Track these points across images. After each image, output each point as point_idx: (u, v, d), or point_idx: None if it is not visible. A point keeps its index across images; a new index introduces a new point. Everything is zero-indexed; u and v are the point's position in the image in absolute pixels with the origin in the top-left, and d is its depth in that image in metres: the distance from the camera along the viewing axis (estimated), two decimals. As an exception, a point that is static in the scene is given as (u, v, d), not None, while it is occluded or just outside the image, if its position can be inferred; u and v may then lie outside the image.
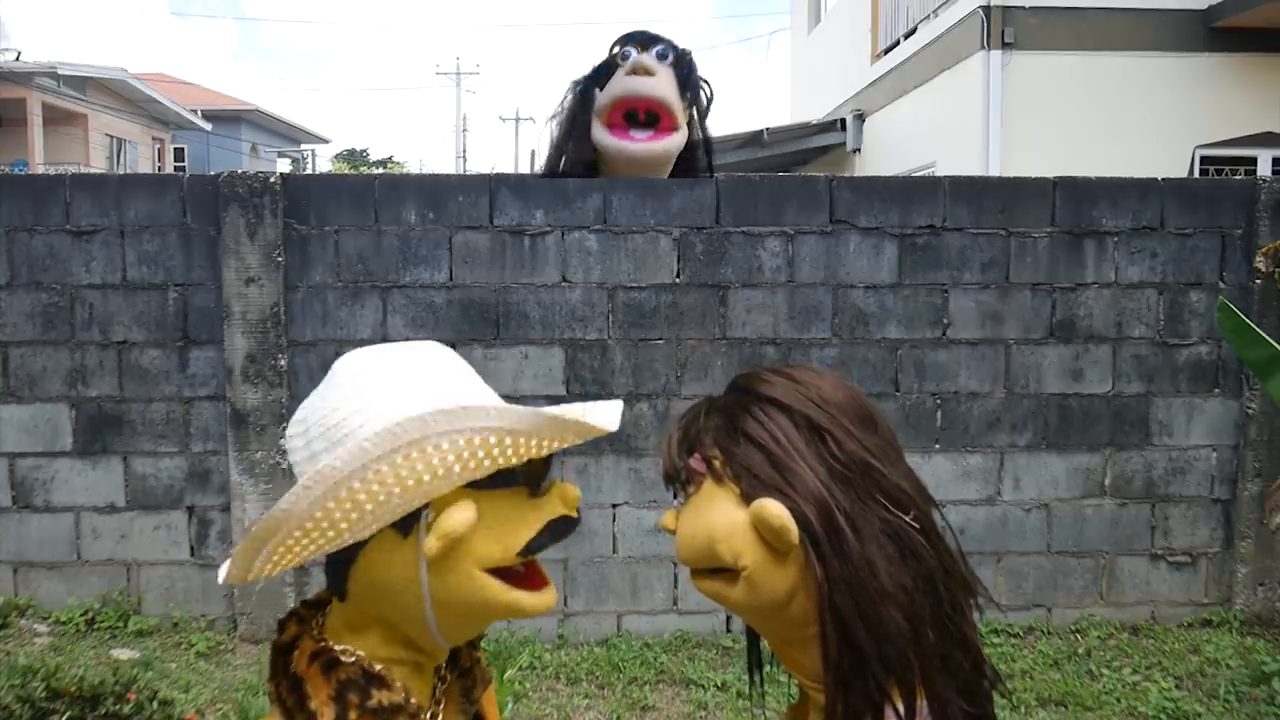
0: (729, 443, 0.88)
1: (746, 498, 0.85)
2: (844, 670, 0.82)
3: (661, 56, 3.88)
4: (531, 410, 0.82)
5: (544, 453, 0.84)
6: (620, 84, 3.84)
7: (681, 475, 0.91)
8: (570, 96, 4.05)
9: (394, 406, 0.82)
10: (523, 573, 0.86)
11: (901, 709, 0.81)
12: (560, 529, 0.86)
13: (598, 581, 4.08)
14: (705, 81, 4.02)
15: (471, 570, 0.81)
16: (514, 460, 0.81)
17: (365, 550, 0.81)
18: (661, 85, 3.81)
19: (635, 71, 3.80)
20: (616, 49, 3.95)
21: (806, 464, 0.84)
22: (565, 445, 0.85)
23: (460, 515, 0.79)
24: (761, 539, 0.83)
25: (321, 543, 0.80)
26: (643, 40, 3.93)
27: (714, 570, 0.88)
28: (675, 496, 0.94)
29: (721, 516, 0.85)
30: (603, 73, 3.97)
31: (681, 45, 3.95)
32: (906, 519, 0.85)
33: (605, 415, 0.86)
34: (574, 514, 0.88)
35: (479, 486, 0.81)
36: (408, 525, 0.80)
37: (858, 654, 0.81)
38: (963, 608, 0.87)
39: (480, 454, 0.79)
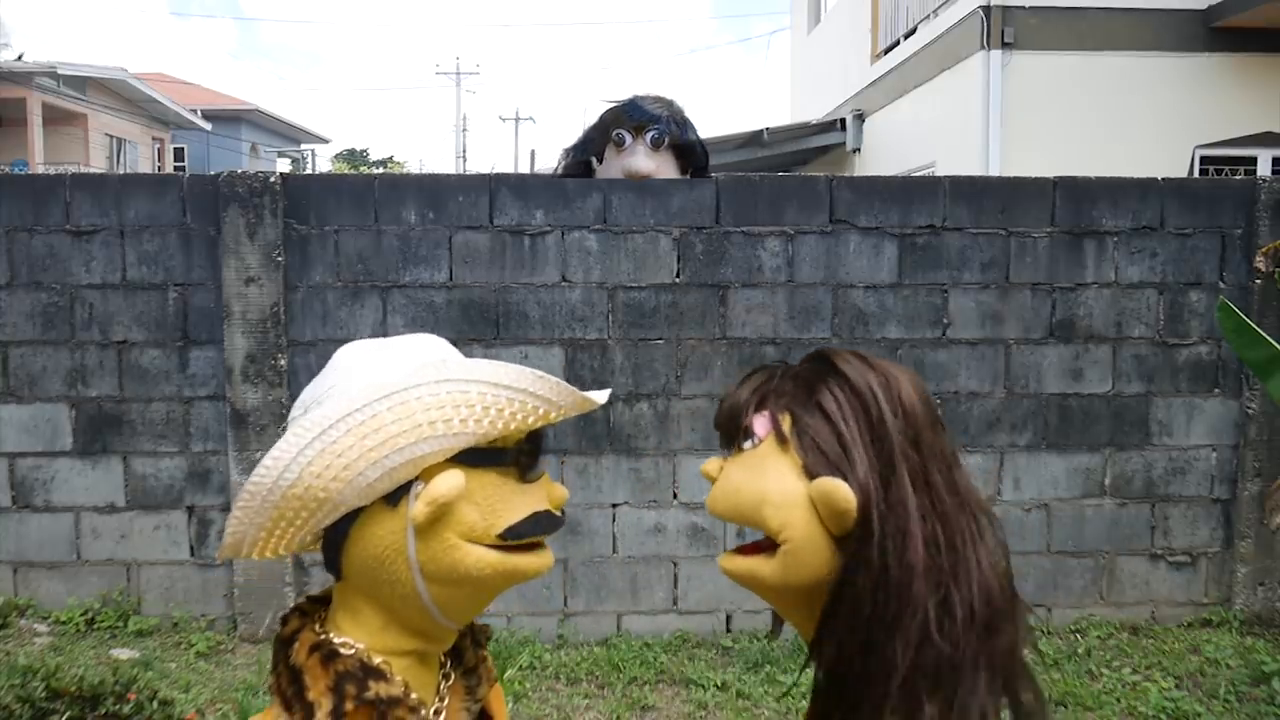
0: (801, 410, 0.87)
1: (809, 472, 0.83)
2: (831, 660, 0.82)
3: (656, 143, 3.82)
4: (519, 368, 0.84)
5: (532, 422, 0.85)
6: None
7: (742, 429, 0.89)
8: (564, 169, 4.08)
9: (382, 369, 0.85)
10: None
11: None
12: (543, 523, 0.86)
13: (598, 581, 4.08)
14: (700, 144, 4.00)
15: (455, 539, 0.82)
16: (501, 425, 0.82)
17: (357, 524, 0.83)
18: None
19: (632, 176, 3.83)
20: (610, 129, 3.89)
21: (866, 455, 0.83)
22: (553, 414, 0.86)
23: (448, 482, 0.80)
24: (815, 516, 0.82)
25: (313, 507, 0.82)
26: (637, 123, 3.83)
27: (743, 549, 0.88)
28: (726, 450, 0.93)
29: (779, 482, 0.84)
30: (594, 144, 3.96)
31: (672, 113, 3.83)
32: (943, 530, 0.83)
33: (595, 393, 0.90)
34: (558, 513, 0.89)
35: (470, 463, 0.83)
36: (397, 496, 0.82)
37: (841, 650, 0.81)
38: (996, 626, 0.83)
39: (464, 411, 0.81)
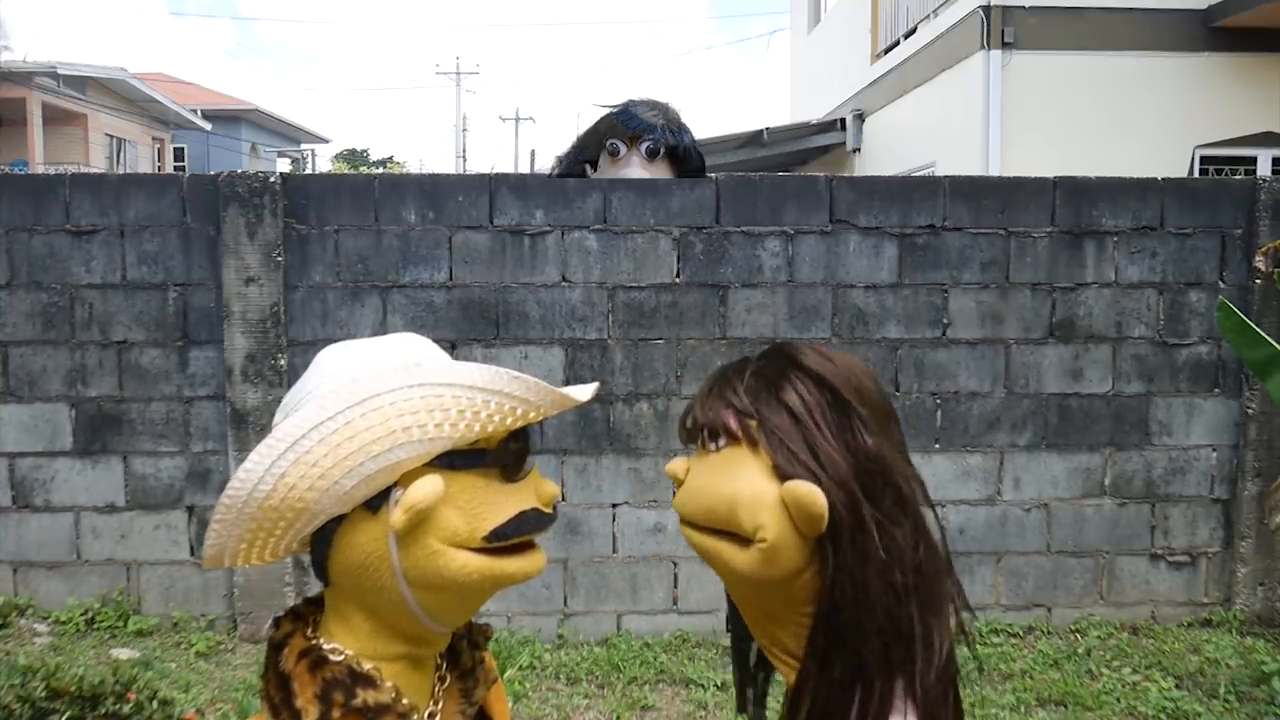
0: (766, 408, 0.87)
1: (779, 471, 0.83)
2: (825, 656, 0.82)
3: (651, 154, 3.76)
4: (494, 369, 0.82)
5: (510, 423, 0.83)
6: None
7: (712, 428, 0.89)
8: (558, 177, 4.05)
9: (357, 373, 0.83)
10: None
11: (876, 697, 0.81)
12: (530, 523, 0.84)
13: (598, 581, 4.07)
14: (695, 148, 3.95)
15: (439, 545, 0.80)
16: (478, 428, 0.81)
17: (340, 531, 0.82)
18: None
19: None
20: (605, 138, 3.83)
21: (836, 449, 0.84)
22: (531, 414, 0.84)
23: (425, 488, 0.79)
24: (788, 516, 0.82)
25: (291, 517, 0.80)
26: (632, 132, 3.75)
27: (717, 530, 0.87)
28: (693, 445, 0.93)
29: (750, 484, 0.84)
30: (588, 151, 3.91)
31: (667, 120, 3.74)
32: (908, 519, 0.85)
33: (578, 389, 0.88)
34: (547, 509, 0.87)
35: (450, 467, 0.81)
36: (378, 503, 0.80)
37: (841, 643, 0.82)
38: (946, 610, 0.87)
39: (438, 415, 0.79)
